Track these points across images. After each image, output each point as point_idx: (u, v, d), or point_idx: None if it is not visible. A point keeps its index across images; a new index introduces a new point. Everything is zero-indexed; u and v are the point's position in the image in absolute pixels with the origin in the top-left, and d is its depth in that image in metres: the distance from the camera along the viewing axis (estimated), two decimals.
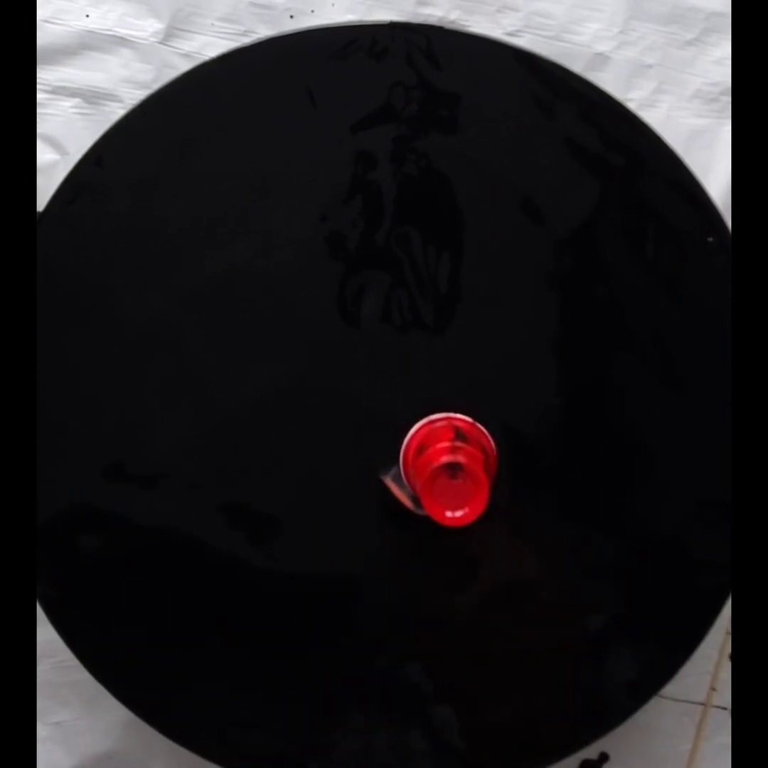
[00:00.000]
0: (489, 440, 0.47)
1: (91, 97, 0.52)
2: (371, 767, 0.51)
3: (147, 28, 0.52)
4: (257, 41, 0.49)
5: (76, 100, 0.52)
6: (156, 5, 0.52)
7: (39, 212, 0.47)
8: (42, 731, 0.57)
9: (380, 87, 0.48)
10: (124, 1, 0.52)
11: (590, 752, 0.65)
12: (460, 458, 0.43)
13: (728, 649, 0.66)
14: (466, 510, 0.43)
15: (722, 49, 0.61)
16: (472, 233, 0.49)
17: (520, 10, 0.57)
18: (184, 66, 0.51)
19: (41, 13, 0.50)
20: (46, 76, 0.51)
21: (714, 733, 0.66)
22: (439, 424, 0.47)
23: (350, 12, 0.55)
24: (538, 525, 0.50)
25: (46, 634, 0.49)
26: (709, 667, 0.66)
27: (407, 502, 0.48)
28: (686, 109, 0.61)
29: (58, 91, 0.52)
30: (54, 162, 0.52)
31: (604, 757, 0.66)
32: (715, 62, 0.61)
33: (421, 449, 0.46)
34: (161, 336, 0.48)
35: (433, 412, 0.48)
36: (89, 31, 0.51)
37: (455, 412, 0.48)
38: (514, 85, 0.49)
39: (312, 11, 0.54)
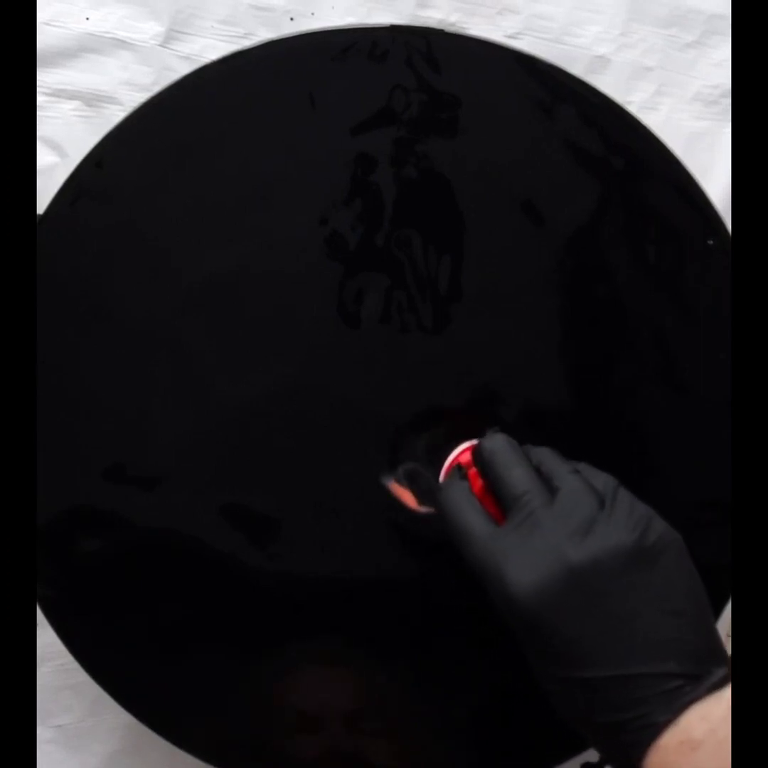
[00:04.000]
0: None
1: (91, 99, 0.52)
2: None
3: (147, 30, 0.52)
4: (257, 44, 0.49)
5: (76, 103, 0.52)
6: (156, 8, 0.52)
7: (39, 215, 0.47)
8: (44, 734, 0.57)
9: (380, 90, 0.48)
10: (124, 4, 0.52)
11: (591, 754, 0.65)
12: None
13: (728, 652, 0.66)
14: None
15: (722, 52, 0.61)
16: (472, 235, 0.49)
17: (520, 12, 0.57)
18: (184, 68, 0.51)
19: (41, 15, 0.50)
20: (46, 78, 0.51)
21: None
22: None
23: (350, 14, 0.55)
24: None
25: (47, 637, 0.49)
26: None
27: (410, 502, 0.48)
28: (686, 111, 0.61)
29: (58, 93, 0.52)
30: (54, 164, 0.52)
31: (605, 760, 0.65)
32: (715, 65, 0.61)
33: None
34: (161, 338, 0.48)
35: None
36: (89, 34, 0.52)
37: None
38: (514, 88, 0.49)
39: (312, 14, 0.54)
